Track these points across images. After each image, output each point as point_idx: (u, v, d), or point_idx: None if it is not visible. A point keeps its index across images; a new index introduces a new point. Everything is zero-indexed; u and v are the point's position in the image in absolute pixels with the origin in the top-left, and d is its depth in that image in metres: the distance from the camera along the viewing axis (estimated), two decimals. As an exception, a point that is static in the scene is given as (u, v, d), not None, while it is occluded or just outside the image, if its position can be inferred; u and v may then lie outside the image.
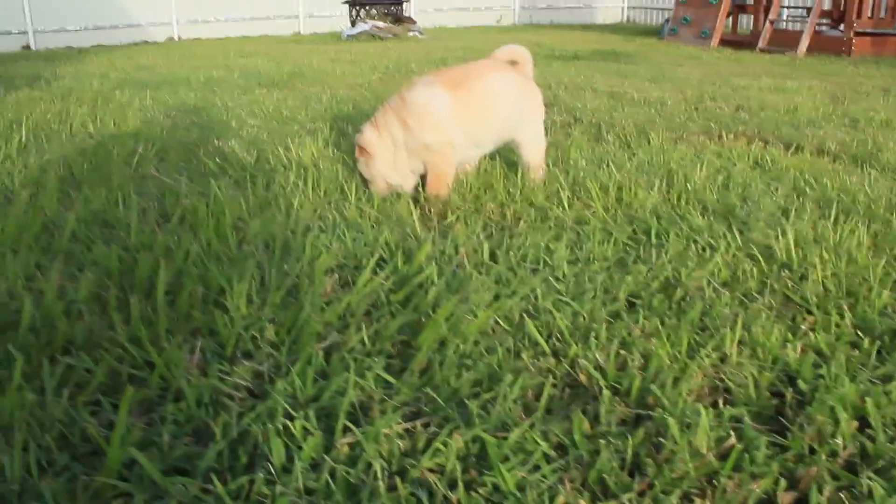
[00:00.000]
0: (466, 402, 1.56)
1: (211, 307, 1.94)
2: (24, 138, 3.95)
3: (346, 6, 13.67)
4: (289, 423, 1.46)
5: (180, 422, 1.51)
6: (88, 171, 3.28)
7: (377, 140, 2.88)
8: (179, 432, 1.48)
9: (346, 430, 1.46)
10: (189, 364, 1.69)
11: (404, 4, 14.07)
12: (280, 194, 2.93)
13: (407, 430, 1.48)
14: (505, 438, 1.43)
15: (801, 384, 1.66)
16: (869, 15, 10.16)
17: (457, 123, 2.85)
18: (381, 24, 12.75)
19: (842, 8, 10.61)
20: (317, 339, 1.79)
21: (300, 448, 1.40)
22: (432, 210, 2.81)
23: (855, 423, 1.51)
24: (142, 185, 3.11)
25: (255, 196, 2.87)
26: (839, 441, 1.46)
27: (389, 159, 2.89)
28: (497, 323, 1.91)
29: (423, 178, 2.96)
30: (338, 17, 15.15)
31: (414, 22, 13.59)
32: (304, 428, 1.45)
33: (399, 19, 13.42)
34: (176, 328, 1.84)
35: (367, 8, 13.38)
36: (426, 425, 1.51)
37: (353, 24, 13.28)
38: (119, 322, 1.81)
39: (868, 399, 1.56)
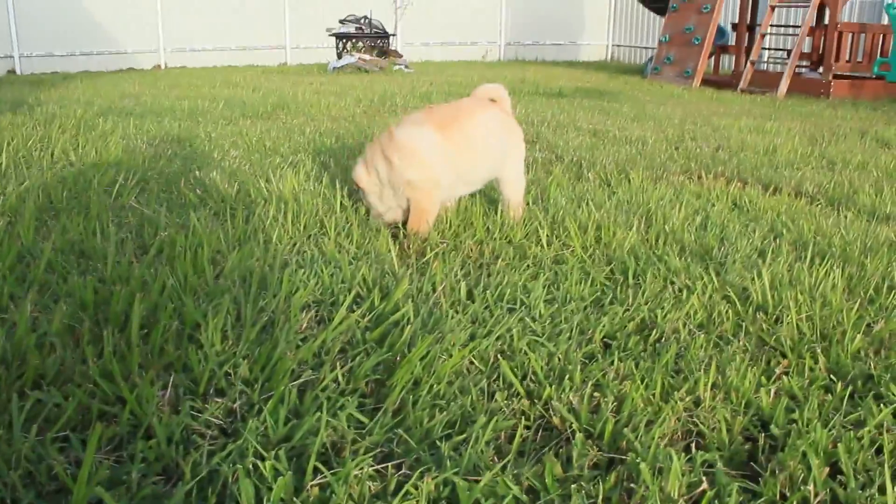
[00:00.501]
0: (438, 443, 1.55)
1: (185, 342, 1.93)
2: (3, 165, 3.93)
3: (333, 38, 13.76)
4: (259, 463, 1.45)
5: (150, 460, 1.49)
6: (67, 200, 3.27)
7: (365, 176, 2.95)
8: (148, 471, 1.46)
9: (316, 471, 1.45)
10: (161, 400, 1.68)
11: (391, 38, 14.19)
12: (259, 228, 2.92)
13: (378, 472, 1.47)
14: (476, 482, 1.42)
15: (774, 429, 1.67)
16: (847, 59, 10.35)
17: (444, 162, 2.88)
18: (367, 56, 12.85)
19: (821, 51, 10.80)
20: (290, 376, 1.78)
21: (270, 489, 1.39)
22: (411, 247, 2.82)
23: (826, 470, 1.51)
24: (121, 215, 3.10)
25: (235, 229, 2.87)
26: (810, 488, 1.46)
27: (377, 193, 2.96)
28: (472, 363, 1.91)
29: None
30: (325, 49, 15.25)
31: (400, 55, 13.70)
32: (275, 468, 1.44)
33: (385, 52, 13.52)
34: (149, 363, 1.82)
35: (353, 41, 13.48)
36: (398, 467, 1.50)
37: (340, 56, 13.37)
38: (91, 356, 1.80)
39: (840, 445, 1.57)
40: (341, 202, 3.26)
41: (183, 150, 4.64)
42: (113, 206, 3.22)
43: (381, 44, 13.64)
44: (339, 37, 13.50)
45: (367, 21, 13.62)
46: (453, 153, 2.89)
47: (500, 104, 3.19)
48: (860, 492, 1.46)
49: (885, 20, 10.80)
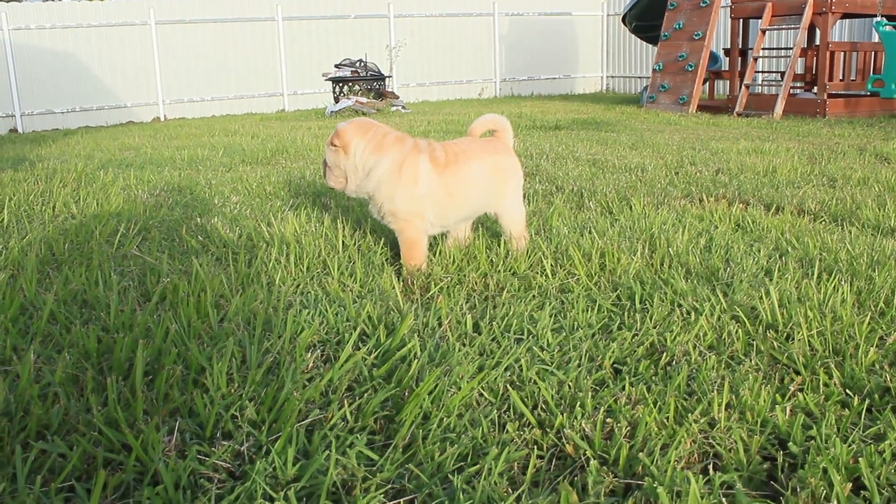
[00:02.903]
0: (451, 477, 1.52)
1: (190, 387, 1.91)
2: (5, 220, 3.94)
3: (330, 83, 13.89)
4: (268, 505, 1.42)
5: (157, 507, 1.46)
6: (69, 251, 3.27)
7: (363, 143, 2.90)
8: (156, 518, 1.43)
9: (327, 510, 1.42)
10: (167, 446, 1.65)
11: (387, 80, 14.32)
12: (262, 270, 2.91)
13: (390, 509, 1.44)
14: (491, 514, 1.39)
15: (793, 447, 1.63)
16: (840, 77, 10.41)
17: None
18: (364, 99, 12.95)
19: (814, 71, 10.87)
20: (298, 416, 1.76)
21: (280, 531, 1.36)
22: (415, 282, 2.80)
23: (849, 486, 1.48)
24: (123, 264, 3.09)
25: (237, 273, 2.86)
26: (834, 505, 1.43)
27: (357, 171, 2.92)
28: (481, 395, 1.88)
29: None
30: (321, 94, 15.41)
31: (397, 97, 13.81)
32: (285, 510, 1.41)
33: (382, 94, 13.63)
34: (154, 409, 1.80)
35: (350, 84, 13.60)
36: (410, 503, 1.47)
37: (337, 100, 13.48)
38: (96, 404, 1.77)
39: (861, 460, 1.53)
40: (343, 241, 3.25)
41: (184, 199, 4.65)
42: (115, 256, 3.21)
43: (377, 86, 13.76)
44: (336, 81, 13.63)
45: (362, 64, 13.76)
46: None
47: (500, 134, 3.19)
48: (885, 507, 1.43)
49: (875, 38, 10.88)
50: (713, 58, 12.49)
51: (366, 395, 1.88)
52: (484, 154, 3.05)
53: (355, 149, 2.87)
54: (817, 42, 10.74)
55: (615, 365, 2.07)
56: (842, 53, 10.50)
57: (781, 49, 13.17)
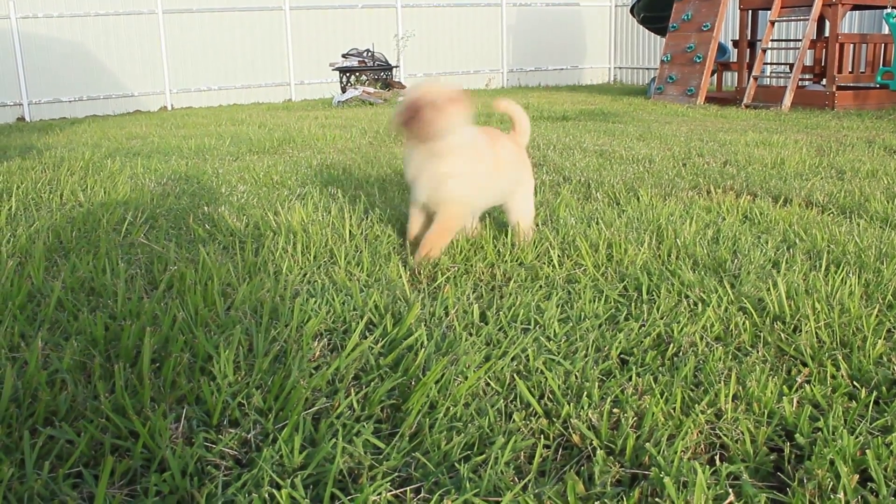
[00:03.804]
0: (457, 466, 1.53)
1: (197, 374, 1.91)
2: (13, 208, 3.95)
3: (337, 73, 13.87)
4: (275, 492, 1.42)
5: (164, 493, 1.47)
6: (77, 239, 3.27)
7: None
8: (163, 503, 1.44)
9: (334, 498, 1.42)
10: (174, 433, 1.66)
11: (394, 70, 14.29)
12: (269, 259, 2.91)
13: (397, 497, 1.45)
14: (497, 503, 1.39)
15: (799, 438, 1.63)
16: (849, 69, 10.36)
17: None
18: (370, 89, 12.93)
19: (823, 63, 10.81)
20: (305, 404, 1.76)
21: (287, 518, 1.36)
22: (421, 272, 2.80)
23: (856, 477, 1.48)
24: (130, 252, 3.09)
25: (244, 261, 2.86)
26: (840, 496, 1.42)
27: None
28: (488, 384, 1.88)
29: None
30: (328, 84, 15.40)
31: (403, 87, 13.78)
32: (291, 497, 1.41)
33: (389, 85, 13.61)
34: (161, 397, 1.80)
35: (357, 74, 13.58)
36: (416, 491, 1.47)
37: (344, 90, 13.47)
38: (103, 391, 1.78)
39: (868, 451, 1.53)
40: (350, 231, 3.25)
41: (191, 187, 4.65)
42: (122, 244, 3.22)
43: (384, 76, 13.74)
44: (343, 71, 13.61)
45: (369, 54, 13.74)
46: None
47: (517, 122, 3.21)
48: (892, 499, 1.42)
49: (885, 30, 10.82)
50: (721, 49, 12.42)
51: (372, 383, 1.88)
52: (510, 142, 3.09)
53: (459, 119, 2.81)
54: (826, 34, 10.68)
55: (622, 355, 2.07)
56: (851, 45, 10.44)
57: (790, 41, 13.10)
